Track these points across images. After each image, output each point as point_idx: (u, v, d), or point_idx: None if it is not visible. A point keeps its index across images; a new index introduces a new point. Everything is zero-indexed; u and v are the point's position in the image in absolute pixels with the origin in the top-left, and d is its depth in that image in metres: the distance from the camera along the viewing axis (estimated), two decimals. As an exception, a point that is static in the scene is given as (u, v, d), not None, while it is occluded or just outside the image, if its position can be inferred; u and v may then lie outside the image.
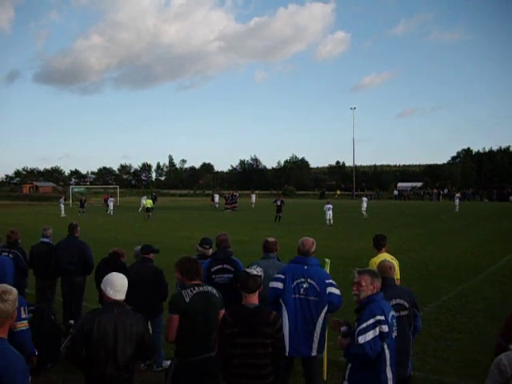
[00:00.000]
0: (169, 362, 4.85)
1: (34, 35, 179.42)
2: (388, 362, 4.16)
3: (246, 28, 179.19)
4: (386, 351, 4.14)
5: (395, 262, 6.62)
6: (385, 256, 6.61)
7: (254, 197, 54.89)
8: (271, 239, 6.39)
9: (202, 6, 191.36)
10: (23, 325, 4.43)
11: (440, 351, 7.55)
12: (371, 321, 4.09)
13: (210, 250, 6.89)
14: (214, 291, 4.66)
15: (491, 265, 15.19)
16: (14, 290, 3.21)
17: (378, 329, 4.07)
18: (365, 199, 37.71)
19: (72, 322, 7.66)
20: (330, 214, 30.37)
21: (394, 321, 4.29)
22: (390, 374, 4.17)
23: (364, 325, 4.10)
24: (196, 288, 4.56)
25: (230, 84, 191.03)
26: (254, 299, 4.28)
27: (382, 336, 4.08)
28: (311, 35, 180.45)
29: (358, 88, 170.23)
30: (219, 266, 6.25)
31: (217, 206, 51.61)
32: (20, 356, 3.10)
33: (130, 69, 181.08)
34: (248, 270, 4.38)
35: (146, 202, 39.00)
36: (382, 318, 4.09)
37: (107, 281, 4.20)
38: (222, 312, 4.59)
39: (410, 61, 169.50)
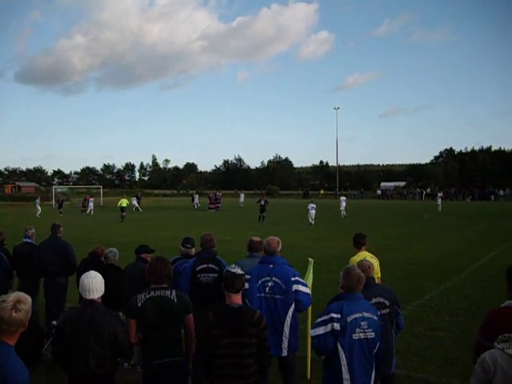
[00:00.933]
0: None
1: (15, 34, 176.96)
2: (344, 363, 4.14)
3: (228, 28, 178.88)
4: (340, 350, 4.13)
5: (375, 261, 6.68)
6: (365, 255, 6.66)
7: (242, 196, 56.59)
8: (256, 239, 6.38)
9: (185, 5, 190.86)
10: None
11: (423, 349, 7.63)
12: (325, 317, 4.19)
13: (193, 250, 6.87)
14: (173, 295, 4.50)
15: (472, 263, 15.39)
16: (29, 300, 3.19)
17: (329, 326, 4.13)
18: (343, 198, 38.21)
19: (55, 322, 7.56)
20: (313, 213, 30.46)
21: (363, 323, 4.19)
22: (346, 375, 4.14)
23: (319, 319, 4.22)
24: (152, 292, 4.48)
25: (212, 84, 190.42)
26: (237, 299, 4.26)
27: (333, 333, 4.11)
28: (294, 35, 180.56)
29: (342, 88, 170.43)
30: (204, 266, 6.23)
31: (198, 205, 51.02)
32: (24, 367, 3.04)
33: (113, 68, 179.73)
34: (232, 269, 4.34)
35: (121, 201, 36.13)
36: (337, 316, 4.13)
37: (79, 281, 4.24)
38: (190, 316, 4.58)
39: (393, 61, 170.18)
